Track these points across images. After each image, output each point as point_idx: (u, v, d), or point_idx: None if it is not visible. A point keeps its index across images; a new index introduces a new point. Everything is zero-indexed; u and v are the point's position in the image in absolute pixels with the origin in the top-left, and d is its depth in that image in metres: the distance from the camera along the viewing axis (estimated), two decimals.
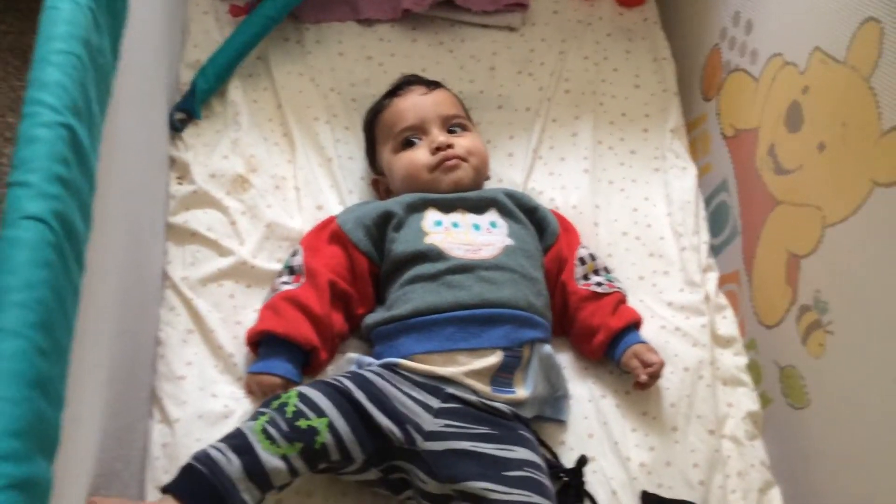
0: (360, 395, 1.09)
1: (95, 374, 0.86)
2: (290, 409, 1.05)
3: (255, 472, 1.01)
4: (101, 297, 0.82)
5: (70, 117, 0.69)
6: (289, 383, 1.17)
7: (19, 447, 0.57)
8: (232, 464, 1.01)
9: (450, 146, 1.31)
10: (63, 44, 0.72)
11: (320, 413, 1.06)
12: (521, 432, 1.14)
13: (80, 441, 0.75)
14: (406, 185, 1.32)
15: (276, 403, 1.07)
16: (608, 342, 1.24)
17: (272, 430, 1.03)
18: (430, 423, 1.10)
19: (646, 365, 1.21)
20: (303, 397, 1.07)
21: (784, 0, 1.28)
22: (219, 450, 1.02)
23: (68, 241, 0.66)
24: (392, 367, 1.14)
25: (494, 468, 1.07)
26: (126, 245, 1.01)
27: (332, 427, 1.05)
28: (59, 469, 0.64)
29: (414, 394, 1.12)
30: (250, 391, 1.19)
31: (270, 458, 1.02)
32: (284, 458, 1.02)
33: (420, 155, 1.31)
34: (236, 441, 1.03)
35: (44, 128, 0.68)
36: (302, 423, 1.04)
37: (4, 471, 0.56)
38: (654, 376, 1.22)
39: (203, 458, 1.02)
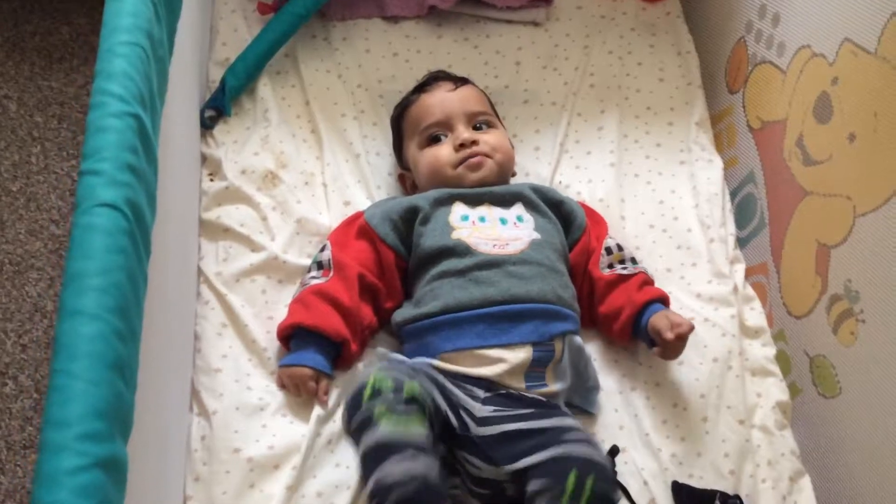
0: (420, 378, 1.10)
1: (153, 360, 0.87)
2: (387, 385, 1.06)
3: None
4: (156, 284, 0.83)
5: (137, 107, 0.71)
6: (320, 375, 1.18)
7: (102, 427, 0.59)
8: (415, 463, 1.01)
9: (474, 142, 1.31)
10: (128, 35, 0.73)
11: (410, 376, 1.08)
12: (562, 410, 1.16)
13: (140, 425, 0.76)
14: (430, 181, 1.33)
15: (367, 394, 1.06)
16: (634, 316, 1.23)
17: (399, 408, 1.04)
18: (480, 410, 1.12)
19: (673, 325, 1.18)
20: (383, 370, 1.08)
21: None
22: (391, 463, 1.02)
23: (139, 228, 0.68)
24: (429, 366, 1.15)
25: (552, 434, 1.09)
26: (175, 237, 1.03)
27: (422, 386, 1.07)
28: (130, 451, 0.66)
29: (460, 381, 1.13)
30: (282, 385, 1.20)
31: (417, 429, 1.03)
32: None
33: (444, 151, 1.32)
34: (379, 453, 1.03)
35: (113, 118, 0.69)
36: (407, 387, 1.06)
37: (90, 450, 0.57)
38: (682, 338, 1.18)
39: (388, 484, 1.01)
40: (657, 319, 1.19)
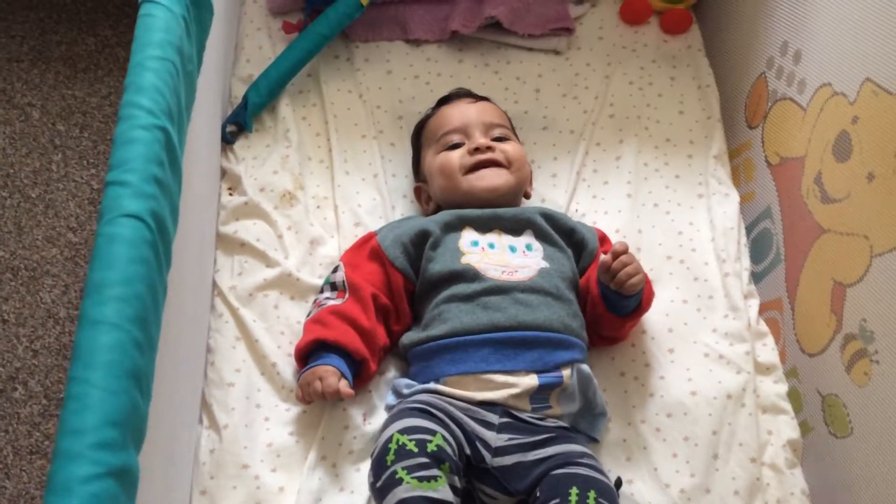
0: (439, 415, 1.09)
1: (165, 371, 0.87)
2: (410, 445, 1.03)
3: None
4: (172, 295, 0.84)
5: (165, 121, 0.71)
6: (342, 377, 1.15)
7: (117, 437, 0.59)
8: None
9: (489, 148, 1.32)
10: (159, 50, 0.74)
11: (432, 432, 1.05)
12: (573, 436, 1.16)
13: (150, 436, 0.77)
14: (442, 185, 1.33)
15: (390, 457, 1.03)
16: (596, 281, 1.23)
17: (420, 473, 1.01)
18: (496, 440, 1.12)
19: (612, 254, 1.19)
20: (405, 431, 1.05)
21: (834, 31, 1.29)
22: None
23: (161, 240, 0.69)
24: (436, 392, 1.15)
25: (560, 458, 1.09)
26: (192, 249, 1.03)
27: (445, 439, 1.05)
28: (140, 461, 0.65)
29: (473, 411, 1.13)
30: (301, 399, 1.18)
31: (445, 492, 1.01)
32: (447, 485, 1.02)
33: (457, 155, 1.33)
34: None
35: (141, 130, 0.70)
36: (431, 447, 1.03)
37: (104, 459, 0.58)
38: (616, 254, 1.19)
39: None
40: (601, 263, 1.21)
